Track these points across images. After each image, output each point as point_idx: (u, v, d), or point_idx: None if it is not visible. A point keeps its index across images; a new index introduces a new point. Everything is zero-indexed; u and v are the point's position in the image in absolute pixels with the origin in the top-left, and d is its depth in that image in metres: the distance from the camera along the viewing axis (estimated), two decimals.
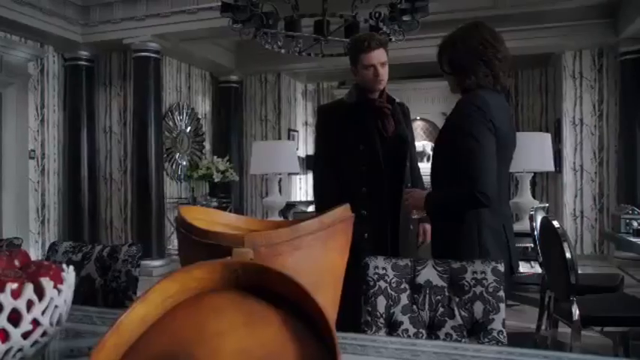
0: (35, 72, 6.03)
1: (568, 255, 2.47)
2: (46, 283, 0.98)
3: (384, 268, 1.49)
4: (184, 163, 7.23)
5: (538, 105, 7.86)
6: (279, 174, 6.41)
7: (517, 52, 6.46)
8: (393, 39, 3.35)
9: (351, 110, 2.35)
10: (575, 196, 6.54)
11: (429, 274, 1.47)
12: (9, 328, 0.91)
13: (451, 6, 4.28)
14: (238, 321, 0.87)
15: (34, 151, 6.02)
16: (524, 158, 4.65)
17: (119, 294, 1.71)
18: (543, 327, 3.22)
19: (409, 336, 1.42)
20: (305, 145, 8.98)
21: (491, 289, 1.40)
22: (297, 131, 8.75)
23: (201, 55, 6.93)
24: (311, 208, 8.22)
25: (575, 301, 2.52)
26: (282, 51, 3.70)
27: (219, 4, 5.30)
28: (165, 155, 6.60)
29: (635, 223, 3.36)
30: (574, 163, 6.56)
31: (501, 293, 1.40)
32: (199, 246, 1.00)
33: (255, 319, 0.88)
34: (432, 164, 1.89)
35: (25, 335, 0.94)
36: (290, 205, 6.62)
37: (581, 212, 6.51)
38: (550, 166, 4.80)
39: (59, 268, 1.05)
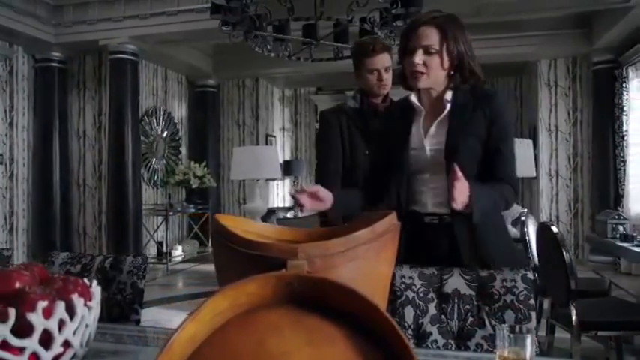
0: (4, 73, 5.77)
1: (568, 260, 2.49)
2: (77, 300, 0.89)
3: (410, 277, 1.44)
4: (160, 168, 7.05)
5: (513, 112, 8.02)
6: (258, 180, 6.32)
7: (496, 60, 6.65)
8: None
9: (355, 115, 2.30)
10: (551, 202, 6.69)
11: (456, 282, 1.44)
12: (40, 351, 0.82)
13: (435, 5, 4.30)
14: (300, 339, 0.81)
15: (2, 155, 5.74)
16: None
17: (125, 307, 1.61)
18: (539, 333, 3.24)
19: (438, 347, 1.38)
20: (282, 150, 8.91)
21: (522, 297, 1.37)
22: (274, 137, 8.67)
23: (178, 58, 6.78)
24: (290, 215, 8.13)
25: (574, 306, 2.54)
26: (272, 55, 3.63)
27: (201, 6, 5.24)
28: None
29: (621, 228, 3.43)
30: (549, 169, 6.71)
31: (532, 301, 1.38)
32: (246, 258, 0.93)
33: (318, 337, 0.81)
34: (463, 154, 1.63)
35: (56, 359, 0.86)
36: (271, 212, 6.53)
37: (557, 217, 6.65)
38: (532, 173, 4.88)
39: (86, 283, 0.97)
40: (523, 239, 3.45)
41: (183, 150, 7.63)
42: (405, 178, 1.66)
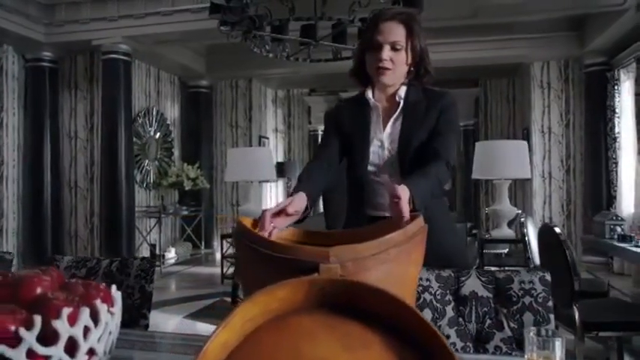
0: None
1: (571, 261, 2.50)
2: (101, 306, 0.86)
3: (427, 280, 1.43)
4: (153, 170, 6.97)
5: (506, 114, 8.07)
6: (252, 182, 6.28)
7: (490, 62, 6.69)
8: None
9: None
10: (544, 203, 6.73)
11: (473, 284, 1.42)
12: (65, 359, 0.79)
13: (433, 14, 4.30)
14: (336, 345, 0.79)
15: None
16: (502, 166, 4.73)
17: (133, 312, 1.57)
18: None
19: (457, 350, 1.37)
20: (275, 152, 8.87)
21: (540, 299, 1.36)
22: (267, 138, 8.64)
23: (171, 58, 6.72)
24: None
25: (577, 307, 2.54)
26: (270, 55, 3.60)
27: (197, 6, 5.20)
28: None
29: (619, 229, 3.46)
30: (542, 170, 6.75)
31: (550, 303, 1.37)
32: (276, 262, 0.90)
33: (353, 342, 0.79)
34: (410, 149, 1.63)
35: None
36: None
37: (550, 218, 6.69)
38: (527, 174, 4.90)
39: (107, 289, 0.93)
40: (522, 240, 3.46)
41: (176, 151, 7.56)
42: (366, 179, 1.64)
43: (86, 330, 0.82)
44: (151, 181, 6.89)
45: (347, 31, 3.69)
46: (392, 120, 1.65)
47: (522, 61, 6.83)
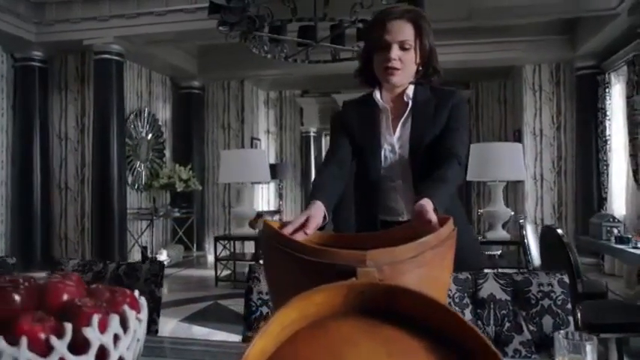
0: None
1: (574, 263, 2.50)
2: (129, 313, 0.83)
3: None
4: (144, 171, 6.89)
5: (497, 116, 8.12)
6: (243, 183, 6.24)
7: (484, 64, 6.73)
8: None
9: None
10: (536, 204, 6.78)
11: (491, 287, 1.41)
12: None
13: (428, 15, 4.31)
14: (379, 351, 0.77)
15: None
16: (497, 168, 4.75)
17: None
18: None
19: None
20: (267, 153, 8.82)
21: (559, 302, 1.36)
22: (259, 139, 8.59)
23: (163, 59, 6.66)
24: (276, 218, 8.05)
25: (579, 309, 2.55)
26: (269, 56, 3.58)
27: (191, 6, 5.15)
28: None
29: (615, 231, 3.49)
30: (534, 172, 6.80)
31: (569, 306, 1.36)
32: (310, 266, 0.88)
33: (396, 348, 0.77)
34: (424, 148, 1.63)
35: None
36: (259, 215, 6.45)
37: (542, 220, 6.74)
38: (521, 176, 4.93)
39: (134, 295, 0.90)
40: (521, 242, 3.47)
41: (168, 153, 7.49)
42: (380, 184, 1.61)
43: (116, 338, 0.79)
44: (143, 182, 6.81)
45: (345, 33, 3.68)
46: (401, 122, 1.62)
47: (514, 63, 6.88)
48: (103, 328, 0.77)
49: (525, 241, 3.34)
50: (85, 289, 0.90)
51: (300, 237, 1.14)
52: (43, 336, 0.72)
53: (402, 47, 1.53)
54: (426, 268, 0.90)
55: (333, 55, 3.63)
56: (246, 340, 1.46)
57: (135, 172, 6.68)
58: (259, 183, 7.78)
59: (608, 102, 6.09)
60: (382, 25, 1.55)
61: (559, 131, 6.75)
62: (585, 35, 6.00)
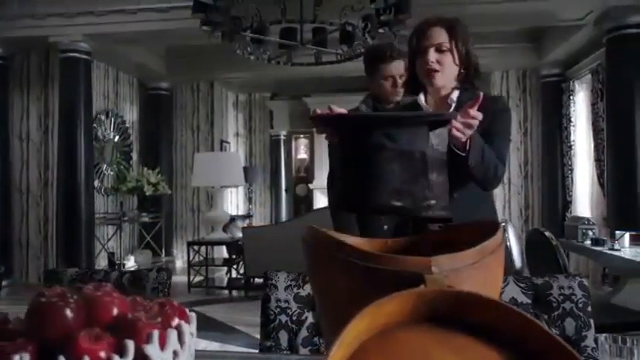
0: None
1: (563, 265, 2.56)
2: (185, 327, 0.77)
3: None
4: (110, 174, 6.65)
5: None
6: (213, 187, 6.12)
7: None
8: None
9: None
10: (504, 207, 6.95)
11: (512, 291, 1.41)
12: None
13: (414, 20, 4.35)
14: None
15: None
16: None
17: None
18: None
19: None
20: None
21: (580, 305, 1.37)
22: (228, 142, 8.46)
23: (131, 59, 6.44)
24: (246, 223, 7.93)
25: None
26: (252, 57, 3.51)
27: (163, 5, 5.01)
28: None
29: (590, 233, 3.60)
30: None
31: (590, 309, 1.37)
32: (374, 274, 0.84)
33: (470, 357, 0.75)
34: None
35: None
36: (233, 219, 6.33)
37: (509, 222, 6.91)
38: None
39: (183, 307, 0.84)
40: (506, 245, 3.53)
41: (135, 155, 7.25)
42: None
43: (175, 355, 0.73)
44: (109, 186, 6.57)
45: (327, 38, 3.66)
46: None
47: (483, 70, 6.97)
48: (162, 344, 0.71)
49: (507, 243, 3.40)
50: (129, 302, 0.83)
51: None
52: (104, 355, 0.65)
53: (439, 50, 1.62)
54: (485, 274, 0.88)
55: (316, 57, 3.60)
56: (265, 349, 1.40)
57: (101, 175, 6.44)
58: (231, 187, 7.65)
59: (572, 108, 6.33)
60: (422, 32, 1.65)
61: (526, 136, 6.95)
62: (551, 44, 6.21)
